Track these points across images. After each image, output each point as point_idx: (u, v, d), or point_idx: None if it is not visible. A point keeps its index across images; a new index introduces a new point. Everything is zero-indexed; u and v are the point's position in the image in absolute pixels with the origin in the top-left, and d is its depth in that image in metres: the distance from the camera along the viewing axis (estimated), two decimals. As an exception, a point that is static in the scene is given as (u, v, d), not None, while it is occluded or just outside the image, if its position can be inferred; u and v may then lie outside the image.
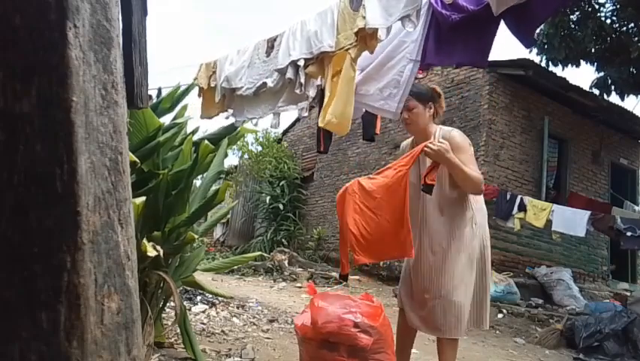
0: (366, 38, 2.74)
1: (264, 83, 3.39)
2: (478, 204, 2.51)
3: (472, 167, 2.37)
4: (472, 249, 2.43)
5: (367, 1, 2.70)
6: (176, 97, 3.27)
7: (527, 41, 2.33)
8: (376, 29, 2.68)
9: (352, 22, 2.78)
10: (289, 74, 3.15)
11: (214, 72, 3.82)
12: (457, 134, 2.47)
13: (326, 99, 2.94)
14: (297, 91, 3.16)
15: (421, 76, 3.12)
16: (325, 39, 2.95)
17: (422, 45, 2.74)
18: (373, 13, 2.66)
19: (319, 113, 3.05)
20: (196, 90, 3.91)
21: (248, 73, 3.54)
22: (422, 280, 2.46)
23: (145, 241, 2.30)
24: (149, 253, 2.23)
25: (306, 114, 3.74)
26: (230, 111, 3.81)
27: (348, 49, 2.82)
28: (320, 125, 3.00)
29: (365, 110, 3.28)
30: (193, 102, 3.99)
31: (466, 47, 2.43)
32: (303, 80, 3.12)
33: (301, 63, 3.09)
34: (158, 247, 2.32)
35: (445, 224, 2.44)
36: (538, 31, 6.61)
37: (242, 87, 3.56)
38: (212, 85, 3.82)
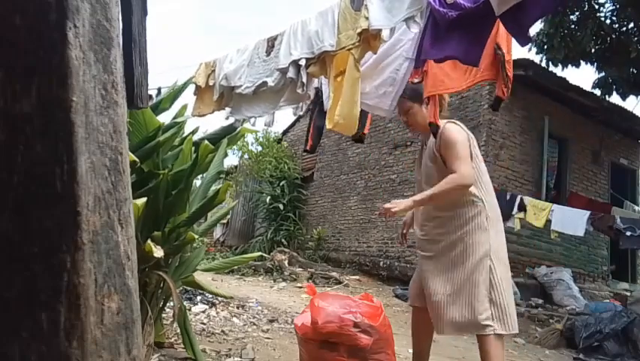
0: (370, 39, 2.73)
1: (264, 82, 3.39)
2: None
3: (456, 163, 2.30)
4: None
5: (369, 1, 2.69)
6: (174, 95, 3.26)
7: (523, 39, 2.32)
8: (380, 30, 2.67)
9: (354, 21, 2.77)
10: (290, 73, 3.15)
11: (213, 71, 3.81)
12: (447, 128, 2.41)
13: (331, 100, 2.94)
14: (299, 91, 3.16)
15: (417, 80, 3.11)
16: (326, 38, 2.94)
17: (419, 43, 2.74)
18: (376, 14, 2.65)
19: (312, 114, 3.04)
20: (192, 88, 3.91)
21: (247, 72, 3.54)
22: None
23: (149, 241, 2.31)
24: (155, 255, 2.23)
25: (301, 112, 3.73)
26: (228, 109, 3.81)
27: (350, 49, 2.81)
28: (328, 127, 2.99)
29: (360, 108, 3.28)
30: (190, 101, 3.99)
31: (460, 43, 2.43)
32: (305, 80, 3.12)
33: (303, 63, 3.09)
34: (159, 247, 2.33)
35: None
36: (537, 30, 6.62)
37: (241, 86, 3.56)
38: (211, 84, 3.82)
